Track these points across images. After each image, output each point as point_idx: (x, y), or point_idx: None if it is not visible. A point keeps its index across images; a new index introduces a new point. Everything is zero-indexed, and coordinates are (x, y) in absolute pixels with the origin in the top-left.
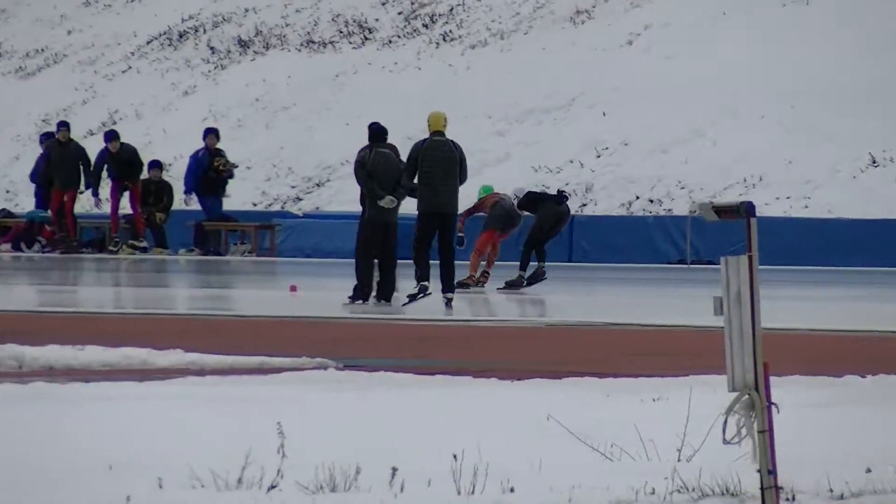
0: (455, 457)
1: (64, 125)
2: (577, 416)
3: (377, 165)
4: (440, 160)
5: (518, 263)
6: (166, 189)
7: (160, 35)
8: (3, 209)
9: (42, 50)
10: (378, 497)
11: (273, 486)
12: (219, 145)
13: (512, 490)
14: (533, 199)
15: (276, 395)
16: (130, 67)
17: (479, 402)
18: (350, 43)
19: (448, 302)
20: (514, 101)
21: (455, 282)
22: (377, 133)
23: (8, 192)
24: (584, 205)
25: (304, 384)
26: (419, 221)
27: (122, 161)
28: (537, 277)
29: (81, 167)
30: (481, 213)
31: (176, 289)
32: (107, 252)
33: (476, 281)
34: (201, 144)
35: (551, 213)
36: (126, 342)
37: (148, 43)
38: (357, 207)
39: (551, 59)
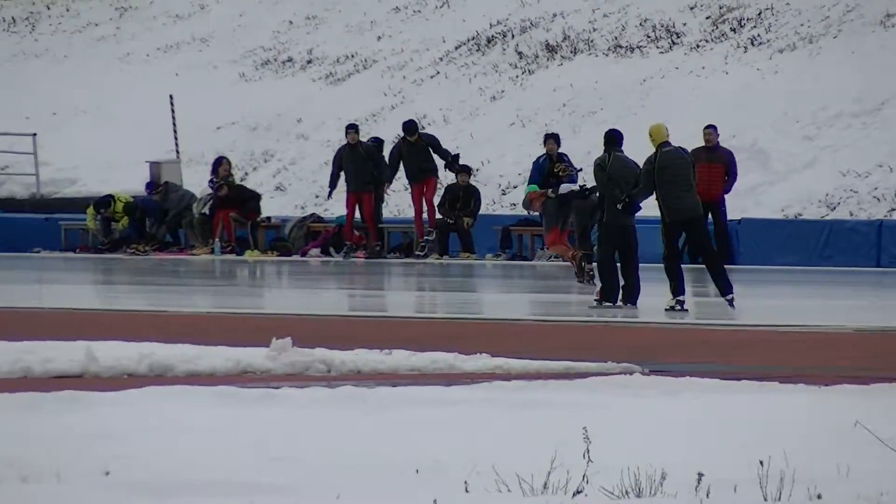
0: (761, 462)
1: (352, 127)
2: (885, 422)
3: (616, 170)
4: (677, 168)
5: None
6: (474, 194)
7: (468, 40)
8: (313, 214)
9: (352, 56)
10: (684, 502)
11: (578, 492)
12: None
13: (819, 496)
14: (567, 197)
15: (582, 400)
16: (439, 73)
17: (786, 407)
18: (657, 48)
19: (730, 302)
20: (822, 106)
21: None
22: (614, 138)
23: (317, 196)
24: (894, 209)
25: (610, 389)
26: (666, 233)
27: (420, 149)
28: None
29: (375, 167)
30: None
31: (482, 293)
32: (413, 257)
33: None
34: (509, 149)
35: (582, 208)
36: (433, 346)
37: (456, 48)
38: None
39: (861, 63)
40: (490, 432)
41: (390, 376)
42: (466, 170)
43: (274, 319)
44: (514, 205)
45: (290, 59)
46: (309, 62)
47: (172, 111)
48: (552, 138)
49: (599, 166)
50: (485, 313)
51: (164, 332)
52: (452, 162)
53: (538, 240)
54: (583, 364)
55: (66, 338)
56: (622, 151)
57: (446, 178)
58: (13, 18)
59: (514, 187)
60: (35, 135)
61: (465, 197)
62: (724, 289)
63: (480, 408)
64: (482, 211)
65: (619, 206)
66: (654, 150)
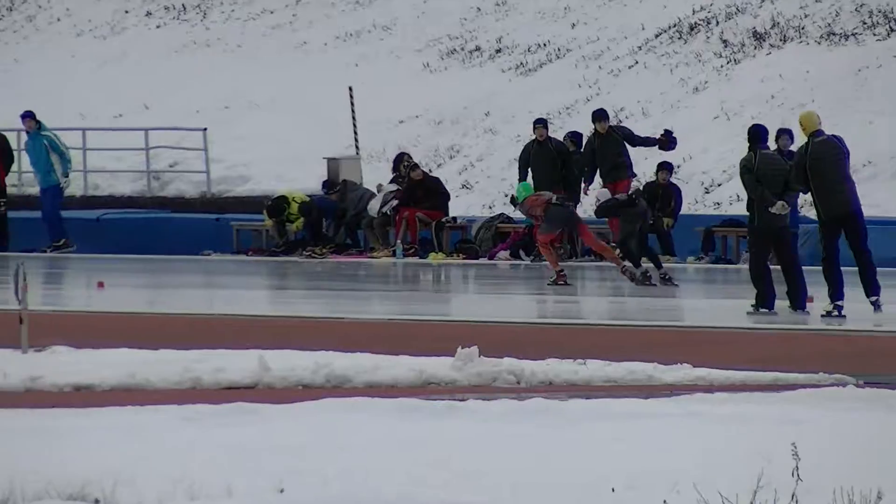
0: None
1: (541, 122)
2: None
3: (764, 169)
4: (830, 160)
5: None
6: (675, 193)
7: (669, 28)
8: (501, 214)
9: (544, 44)
10: None
11: None
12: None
13: None
14: (609, 208)
15: (791, 414)
16: (637, 62)
17: None
18: (874, 35)
19: (875, 304)
20: None
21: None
22: (759, 134)
23: (506, 195)
24: None
25: (821, 402)
26: (824, 232)
27: (613, 143)
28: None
29: (564, 167)
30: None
31: (682, 299)
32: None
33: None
34: (712, 144)
35: (630, 216)
36: (629, 356)
37: (656, 36)
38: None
39: None
40: (691, 448)
41: (584, 388)
42: (667, 167)
43: (459, 326)
44: (719, 204)
45: (477, 48)
46: (498, 51)
47: (352, 104)
48: (785, 133)
49: (745, 168)
50: (686, 320)
51: (342, 341)
52: (665, 140)
53: (743, 242)
54: (791, 375)
55: (238, 346)
56: (767, 148)
57: (645, 176)
58: (183, 6)
59: (718, 185)
60: (206, 129)
61: (664, 196)
62: (872, 290)
63: (681, 422)
64: (683, 210)
65: (772, 209)
66: (805, 140)
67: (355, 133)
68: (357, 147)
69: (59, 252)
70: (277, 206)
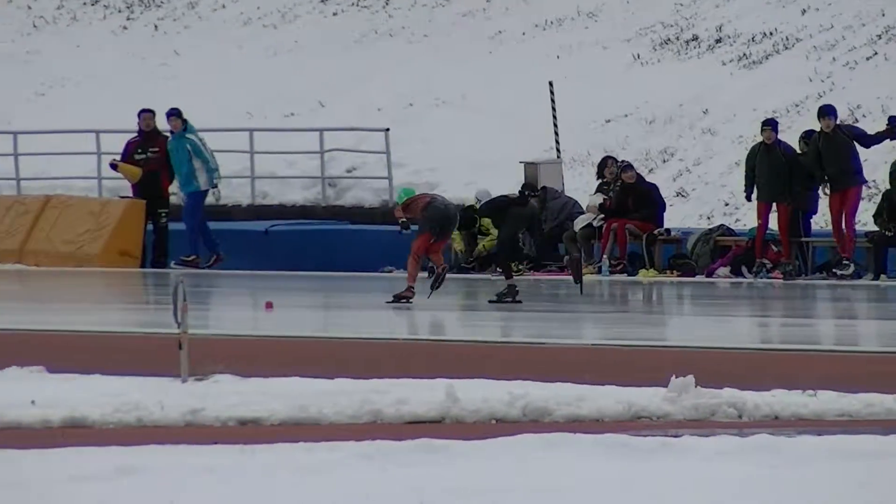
0: None
1: (769, 124)
2: None
3: None
4: None
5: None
6: None
7: None
8: (721, 225)
9: (770, 34)
10: None
11: None
12: None
13: None
14: (496, 207)
15: None
16: (876, 53)
17: None
18: None
19: None
20: None
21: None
22: None
23: (726, 204)
24: None
25: None
26: None
27: (840, 144)
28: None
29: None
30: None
31: None
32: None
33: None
34: None
35: (518, 217)
36: (866, 386)
37: None
38: None
39: None
40: None
41: (815, 423)
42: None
43: (673, 353)
44: None
45: (694, 38)
46: (718, 41)
47: (552, 101)
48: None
49: None
50: None
51: (541, 369)
52: (892, 129)
53: None
54: None
55: (423, 375)
56: None
57: (883, 183)
58: None
59: None
60: (388, 130)
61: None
62: None
63: None
64: None
65: None
66: None
67: (556, 134)
68: (558, 150)
69: (187, 267)
70: (467, 216)
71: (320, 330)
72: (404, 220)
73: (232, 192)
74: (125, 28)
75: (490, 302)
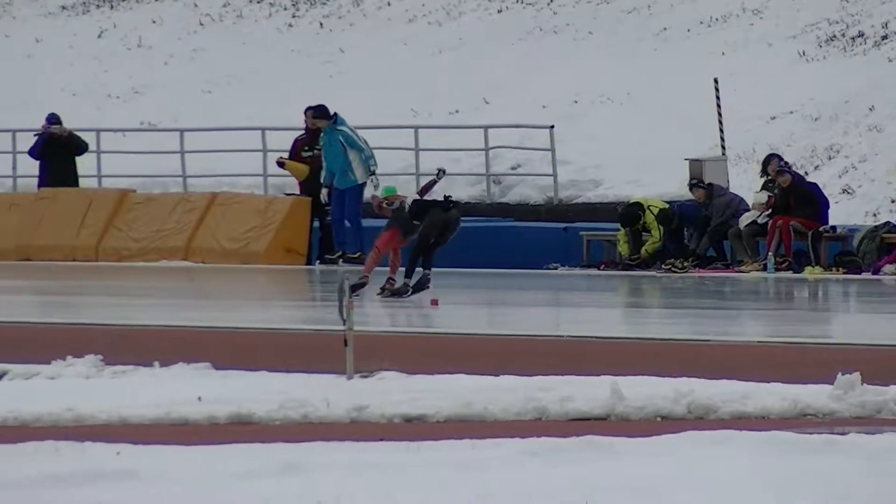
0: None
1: None
2: None
3: None
4: None
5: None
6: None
7: None
8: (888, 223)
9: None
10: None
11: None
12: None
13: None
14: (422, 207)
15: None
16: None
17: None
18: None
19: None
20: None
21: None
22: None
23: (893, 201)
24: None
25: None
26: None
27: None
28: (422, 285)
29: None
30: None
31: None
32: None
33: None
34: None
35: (438, 220)
36: None
37: None
38: None
39: None
40: None
41: None
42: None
43: (838, 350)
44: None
45: (860, 34)
46: (884, 38)
47: (717, 98)
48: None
49: None
50: None
51: (706, 366)
52: None
53: None
54: None
55: (588, 372)
56: None
57: None
58: None
59: None
60: (552, 127)
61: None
62: None
63: None
64: None
65: None
66: None
67: (721, 131)
68: (723, 147)
69: (353, 265)
70: (632, 213)
71: (485, 327)
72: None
73: (397, 189)
74: (290, 26)
75: (378, 294)
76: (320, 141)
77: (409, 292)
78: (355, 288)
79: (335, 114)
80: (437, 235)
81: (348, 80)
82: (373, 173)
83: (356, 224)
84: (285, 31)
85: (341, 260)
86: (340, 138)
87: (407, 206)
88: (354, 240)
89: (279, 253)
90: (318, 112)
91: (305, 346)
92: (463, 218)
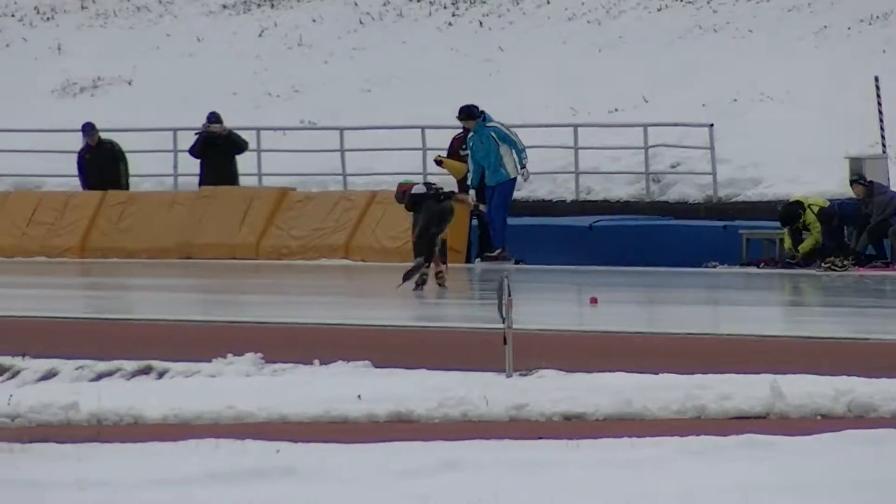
0: None
1: None
2: None
3: None
4: None
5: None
6: None
7: None
8: None
9: None
10: None
11: None
12: None
13: None
14: (416, 200)
15: None
16: None
17: None
18: None
19: None
20: None
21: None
22: None
23: None
24: None
25: None
26: None
27: None
28: (420, 275)
29: None
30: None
31: None
32: None
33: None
34: None
35: (434, 210)
36: None
37: None
38: None
39: None
40: None
41: None
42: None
43: None
44: None
45: None
46: None
47: (878, 96)
48: None
49: None
50: None
51: (867, 364)
52: None
53: None
54: None
55: (746, 370)
56: None
57: None
58: None
59: None
60: (712, 125)
61: None
62: None
63: None
64: None
65: None
66: None
67: (881, 129)
68: (884, 145)
69: (495, 263)
70: (792, 212)
71: (644, 325)
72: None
73: (556, 188)
74: (450, 24)
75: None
76: (468, 142)
77: (401, 284)
78: (412, 277)
79: (482, 112)
80: (435, 225)
81: (507, 78)
82: (524, 166)
83: (501, 220)
84: (445, 29)
85: (478, 259)
86: (492, 133)
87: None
88: (498, 236)
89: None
90: (464, 113)
91: (464, 344)
92: (622, 216)
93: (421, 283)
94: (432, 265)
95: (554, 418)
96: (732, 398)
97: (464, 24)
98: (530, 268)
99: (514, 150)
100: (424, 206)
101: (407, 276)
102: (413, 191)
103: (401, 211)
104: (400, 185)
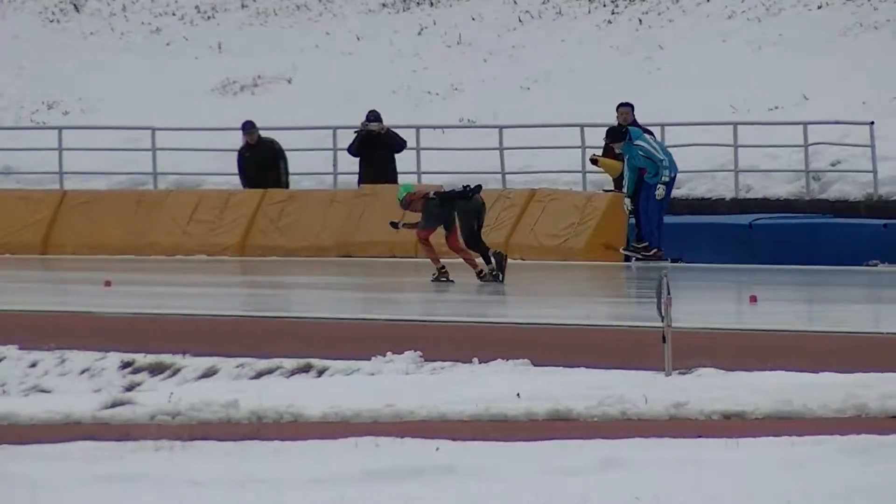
0: None
1: None
2: None
3: None
4: None
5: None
6: None
7: None
8: None
9: None
10: None
11: None
12: None
13: None
14: (446, 200)
15: None
16: None
17: None
18: None
19: None
20: None
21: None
22: None
23: None
24: None
25: None
26: None
27: None
28: (502, 266)
29: None
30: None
31: None
32: None
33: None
34: None
35: (469, 208)
36: None
37: None
38: None
39: None
40: None
41: None
42: None
43: None
44: None
45: None
46: None
47: None
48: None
49: None
50: None
51: None
52: None
53: None
54: None
55: None
56: None
57: None
58: None
59: None
60: (872, 123)
61: None
62: None
63: None
64: None
65: None
66: None
67: None
68: None
69: (649, 262)
70: None
71: (804, 323)
72: (395, 222)
73: (715, 185)
74: (609, 22)
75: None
76: (623, 150)
77: (500, 277)
78: (438, 279)
79: (627, 131)
80: (474, 221)
81: (666, 76)
82: (664, 183)
83: (657, 220)
84: (604, 27)
85: (635, 257)
86: (640, 153)
87: (436, 204)
88: (653, 236)
89: (597, 249)
90: (610, 136)
91: (623, 343)
92: (782, 214)
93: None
94: (477, 260)
95: (713, 417)
96: (894, 397)
97: (623, 22)
98: (689, 266)
99: (660, 168)
100: (457, 207)
101: (495, 275)
102: (430, 194)
103: (560, 209)
104: (409, 193)
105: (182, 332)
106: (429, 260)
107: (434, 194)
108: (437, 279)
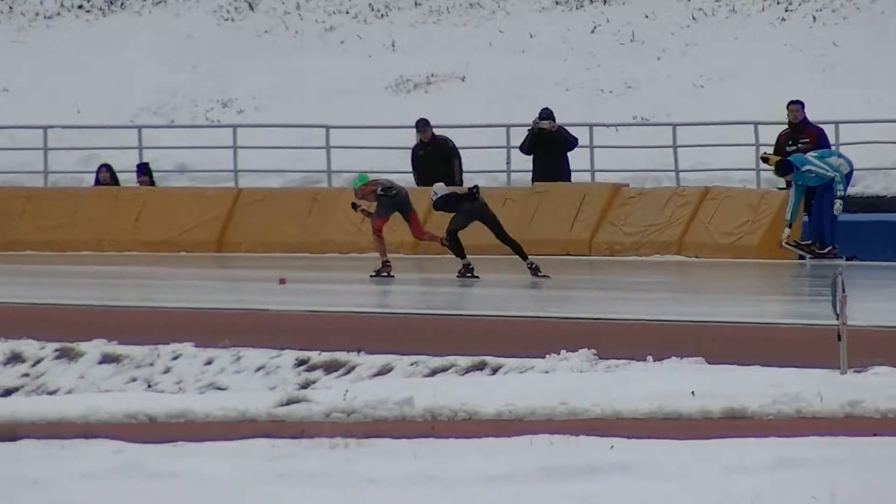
0: None
1: None
2: None
3: None
4: None
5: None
6: None
7: None
8: None
9: None
10: None
11: None
12: None
13: None
14: (450, 200)
15: None
16: None
17: None
18: None
19: None
20: None
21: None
22: None
23: None
24: None
25: None
26: None
27: None
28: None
29: None
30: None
31: None
32: None
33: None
34: None
35: (469, 210)
36: None
37: None
38: None
39: None
40: None
41: None
42: None
43: None
44: None
45: None
46: None
47: None
48: None
49: None
50: None
51: None
52: None
53: None
54: None
55: None
56: None
57: None
58: None
59: None
60: None
61: None
62: None
63: None
64: None
65: None
66: None
67: None
68: None
69: (825, 260)
70: None
71: None
72: (355, 203)
73: (890, 183)
74: (783, 20)
75: (457, 276)
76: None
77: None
78: (379, 273)
79: (790, 161)
80: (482, 221)
81: (841, 74)
82: (840, 198)
83: (830, 218)
84: (778, 25)
85: (809, 255)
86: (812, 176)
87: (434, 198)
88: (819, 233)
89: (771, 247)
90: (779, 171)
91: (797, 341)
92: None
93: (470, 272)
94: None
95: (889, 415)
96: None
97: (797, 20)
98: (864, 264)
99: (833, 183)
100: (459, 205)
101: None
102: (378, 190)
103: (734, 207)
104: (362, 185)
105: (356, 330)
106: (605, 259)
107: (382, 190)
108: (378, 274)
